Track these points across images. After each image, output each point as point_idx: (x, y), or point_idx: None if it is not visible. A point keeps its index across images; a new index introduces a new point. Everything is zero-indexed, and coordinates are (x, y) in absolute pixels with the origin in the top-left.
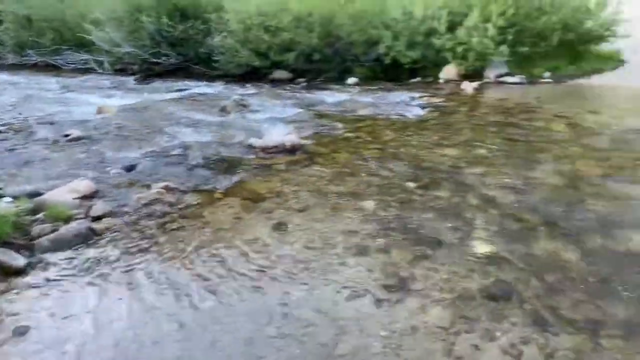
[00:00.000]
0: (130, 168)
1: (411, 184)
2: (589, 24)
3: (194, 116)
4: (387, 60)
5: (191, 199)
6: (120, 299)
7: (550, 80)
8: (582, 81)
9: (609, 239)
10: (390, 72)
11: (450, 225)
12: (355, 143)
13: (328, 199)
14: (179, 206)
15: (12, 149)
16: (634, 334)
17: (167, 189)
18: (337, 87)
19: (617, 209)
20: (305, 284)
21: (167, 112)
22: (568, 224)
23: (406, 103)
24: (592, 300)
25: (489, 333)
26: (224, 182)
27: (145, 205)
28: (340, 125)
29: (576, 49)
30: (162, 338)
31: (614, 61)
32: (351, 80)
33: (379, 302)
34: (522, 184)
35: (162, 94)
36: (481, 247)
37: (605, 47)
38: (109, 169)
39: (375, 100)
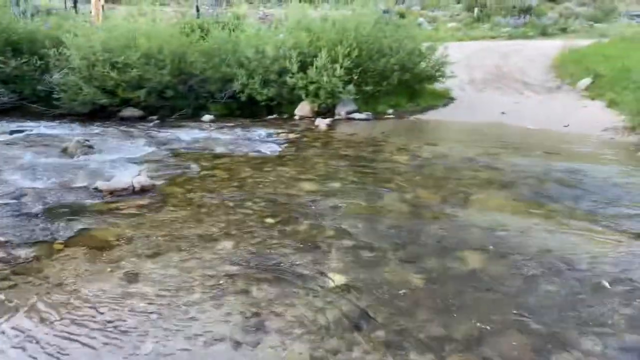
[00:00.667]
0: None
1: (270, 220)
2: (422, 65)
3: (32, 160)
4: (243, 98)
5: (26, 252)
6: None
7: (393, 116)
8: (420, 116)
9: (447, 261)
10: (246, 109)
11: (307, 259)
12: (212, 181)
13: (183, 242)
14: (11, 262)
15: None
16: (473, 346)
17: None
18: (192, 124)
19: (453, 232)
20: (158, 335)
21: (2, 155)
22: (412, 248)
23: (263, 139)
24: (436, 319)
25: None
26: (66, 231)
27: None
28: (196, 163)
29: (413, 88)
30: None
31: (445, 98)
32: (207, 117)
33: (237, 345)
34: (372, 213)
35: None
36: (337, 278)
37: (437, 86)
38: None
39: (232, 137)
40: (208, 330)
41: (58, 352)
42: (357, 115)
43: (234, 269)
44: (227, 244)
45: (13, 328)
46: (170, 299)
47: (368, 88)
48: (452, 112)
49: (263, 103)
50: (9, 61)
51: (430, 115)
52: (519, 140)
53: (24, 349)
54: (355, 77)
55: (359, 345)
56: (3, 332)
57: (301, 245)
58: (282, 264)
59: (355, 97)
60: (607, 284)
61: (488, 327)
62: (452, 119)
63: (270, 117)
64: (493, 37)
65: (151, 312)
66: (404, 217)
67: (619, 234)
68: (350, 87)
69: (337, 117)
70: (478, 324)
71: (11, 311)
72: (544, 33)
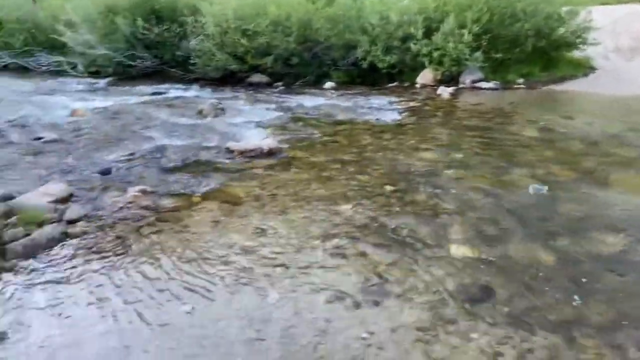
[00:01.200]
0: (105, 171)
1: (389, 187)
2: (560, 31)
3: (170, 119)
4: (365, 65)
5: (168, 202)
6: (93, 303)
7: (523, 86)
8: (555, 87)
9: (582, 241)
10: (367, 77)
11: (427, 228)
12: (333, 147)
13: (306, 202)
14: (156, 210)
15: None
16: (607, 333)
17: (144, 192)
18: (315, 91)
19: (589, 212)
20: (283, 287)
21: (143, 115)
22: (542, 225)
23: (383, 107)
24: (566, 300)
25: (467, 335)
26: (202, 186)
27: (121, 208)
28: (317, 129)
29: (549, 56)
30: (136, 343)
31: (585, 68)
32: (328, 84)
33: (357, 304)
34: (498, 187)
35: (137, 96)
36: (458, 249)
37: (576, 54)
38: (83, 172)
39: (353, 104)
40: (330, 287)
41: (193, 292)
42: (483, 85)
43: (353, 231)
44: (347, 207)
45: (157, 268)
46: (294, 254)
47: (497, 55)
48: (592, 83)
49: (384, 70)
50: (153, 28)
51: (567, 86)
52: None
53: (165, 288)
54: (484, 44)
55: (479, 318)
56: (147, 272)
57: (421, 214)
58: (401, 231)
59: (482, 65)
60: None
61: (624, 315)
62: (592, 90)
63: (390, 84)
64: None
65: (277, 266)
66: (534, 195)
67: None
68: (478, 54)
69: (461, 85)
70: (613, 310)
71: (157, 253)
72: None
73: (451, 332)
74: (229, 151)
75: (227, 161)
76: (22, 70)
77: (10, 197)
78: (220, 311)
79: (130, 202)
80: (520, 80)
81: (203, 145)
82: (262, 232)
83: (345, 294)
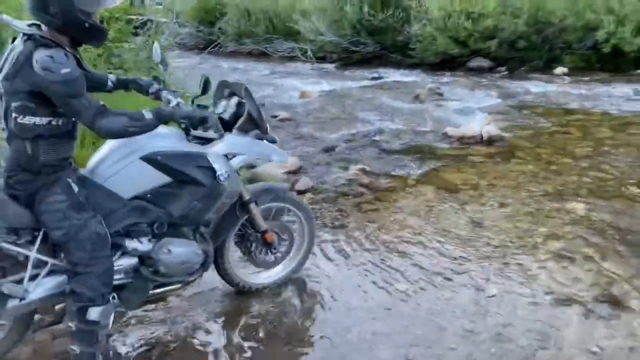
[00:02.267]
0: (329, 149)
1: (634, 189)
2: None
3: (389, 103)
4: (606, 49)
5: (385, 182)
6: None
7: None
8: None
9: None
10: (609, 62)
11: None
12: (563, 139)
13: (529, 196)
14: (374, 188)
15: None
16: None
17: (363, 171)
18: (543, 76)
19: None
20: (501, 283)
21: (363, 98)
22: None
23: (628, 97)
24: None
25: None
26: (418, 169)
27: (343, 184)
28: (545, 118)
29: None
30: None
31: None
32: (559, 70)
33: (588, 313)
34: None
35: (358, 81)
36: None
37: None
38: (311, 148)
39: (588, 92)
40: (554, 292)
41: (404, 270)
42: None
43: (585, 234)
44: (578, 207)
45: (372, 242)
46: (513, 251)
47: None
48: None
49: (632, 55)
50: (378, 14)
51: None
52: None
53: (380, 261)
54: None
55: None
56: (364, 244)
57: None
58: None
59: None
60: None
61: None
62: None
63: (638, 71)
64: None
65: (493, 259)
66: None
67: None
68: None
69: None
70: None
71: (372, 232)
72: None
73: None
74: (446, 136)
75: (444, 146)
76: (263, 55)
77: (253, 166)
78: (432, 300)
79: (351, 179)
80: None
81: (419, 130)
82: (478, 224)
83: (571, 301)
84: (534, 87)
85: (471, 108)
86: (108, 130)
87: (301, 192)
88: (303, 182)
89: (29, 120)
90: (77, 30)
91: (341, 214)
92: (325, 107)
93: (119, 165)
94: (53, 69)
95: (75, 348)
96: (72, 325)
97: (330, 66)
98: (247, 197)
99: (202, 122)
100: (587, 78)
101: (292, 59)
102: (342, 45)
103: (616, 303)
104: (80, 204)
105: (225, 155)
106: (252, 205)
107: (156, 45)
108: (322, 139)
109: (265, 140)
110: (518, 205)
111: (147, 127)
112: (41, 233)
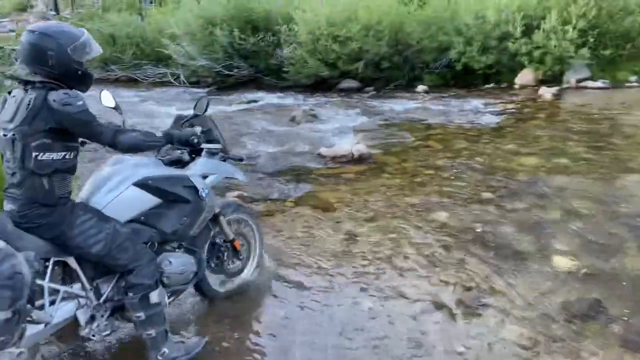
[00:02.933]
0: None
1: (487, 194)
2: None
3: (265, 126)
4: (459, 66)
5: (264, 207)
6: None
7: (637, 84)
8: None
9: None
10: (461, 79)
11: (529, 238)
12: (426, 152)
13: (398, 209)
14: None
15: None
16: None
17: (241, 197)
18: (406, 94)
19: None
20: (376, 295)
21: (239, 122)
22: None
23: (479, 110)
24: None
25: (574, 353)
26: (295, 190)
27: None
28: (409, 133)
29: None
30: None
31: None
32: (421, 87)
33: (453, 315)
34: (609, 196)
35: (234, 105)
36: (563, 261)
37: None
38: None
39: (446, 107)
40: (424, 296)
41: (282, 293)
42: (590, 84)
43: (448, 240)
44: (441, 215)
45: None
46: (386, 261)
47: (606, 52)
48: None
49: (480, 72)
50: (248, 38)
51: None
52: None
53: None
54: (591, 40)
55: (588, 337)
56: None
57: (522, 224)
58: (500, 241)
59: (589, 63)
60: None
61: None
62: None
63: (487, 86)
64: None
65: (368, 273)
66: None
67: None
68: (584, 50)
69: (565, 85)
70: None
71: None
72: None
73: (555, 351)
74: (321, 157)
75: (319, 166)
76: (132, 82)
77: None
78: (309, 319)
79: None
80: (633, 79)
81: (296, 151)
82: (353, 238)
83: (440, 305)
84: (399, 105)
85: (343, 128)
86: (129, 145)
87: None
88: None
89: (47, 156)
90: (71, 78)
91: None
92: None
93: (114, 193)
94: (72, 102)
95: (151, 332)
96: (140, 315)
97: (204, 91)
98: (217, 210)
99: (208, 136)
100: (445, 94)
101: (163, 84)
102: (215, 70)
103: (476, 304)
104: (103, 215)
105: (201, 175)
106: (221, 218)
107: (105, 91)
108: None
109: (231, 160)
110: (388, 218)
111: (157, 144)
112: (51, 262)
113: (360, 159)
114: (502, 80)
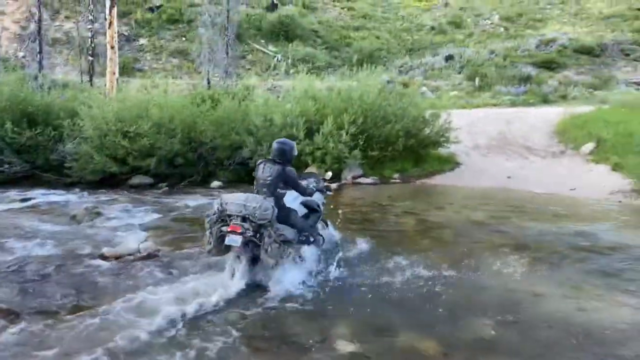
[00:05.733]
0: None
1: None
2: (426, 131)
3: (41, 227)
4: (252, 164)
5: (30, 320)
6: None
7: (399, 180)
8: (427, 180)
9: (458, 329)
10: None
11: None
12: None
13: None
14: (11, 331)
15: None
16: None
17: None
18: (201, 190)
19: (464, 298)
20: None
21: (9, 224)
22: (422, 315)
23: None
24: None
25: None
26: (69, 297)
27: None
28: (201, 227)
29: (418, 153)
30: None
31: (451, 163)
32: (216, 183)
33: None
34: (379, 277)
35: (4, 204)
36: (345, 346)
37: (442, 151)
38: None
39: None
40: None
41: None
42: (363, 180)
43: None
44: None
45: None
46: None
47: (374, 153)
48: (458, 177)
49: None
50: (24, 132)
51: (437, 180)
52: (527, 204)
53: None
54: (361, 143)
55: None
56: None
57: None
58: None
59: (361, 162)
60: None
61: None
62: (458, 183)
63: None
64: (495, 105)
65: None
66: (413, 282)
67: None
68: (356, 152)
69: (343, 181)
70: None
71: None
72: (545, 100)
73: None
74: (103, 257)
75: (101, 268)
76: None
77: None
78: None
79: None
80: (396, 175)
81: (75, 254)
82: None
83: None
84: (192, 201)
85: (131, 225)
86: (309, 194)
87: None
88: None
89: (281, 190)
90: (290, 163)
91: None
92: None
93: (295, 203)
94: (293, 172)
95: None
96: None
97: None
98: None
99: (316, 184)
100: (238, 189)
101: None
102: None
103: None
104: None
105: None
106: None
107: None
108: None
109: (325, 192)
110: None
111: (311, 193)
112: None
113: (148, 257)
114: None
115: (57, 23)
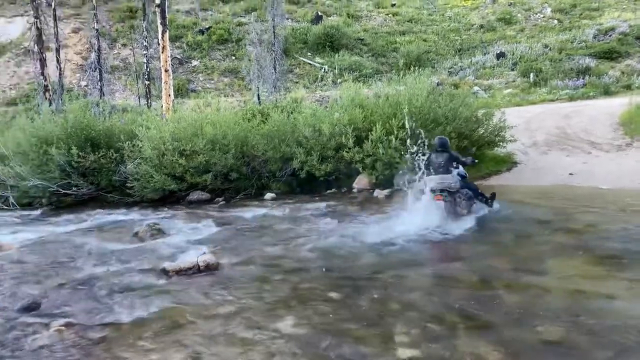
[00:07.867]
0: (29, 307)
1: (333, 294)
2: (480, 131)
3: (104, 246)
4: (302, 174)
5: (96, 334)
6: None
7: None
8: (483, 182)
9: (523, 331)
10: (306, 185)
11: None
12: (273, 258)
13: (241, 321)
14: (81, 344)
15: None
16: None
17: (69, 325)
18: (255, 202)
19: (529, 301)
20: None
21: (76, 244)
22: (484, 315)
23: (322, 212)
24: None
25: None
26: (133, 312)
27: (42, 347)
28: (258, 240)
29: (474, 154)
30: None
31: (508, 162)
32: (269, 195)
33: None
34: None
35: (71, 225)
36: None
37: (499, 151)
38: (5, 309)
39: (292, 212)
40: None
41: None
42: None
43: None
44: (286, 323)
45: None
46: None
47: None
48: (516, 176)
49: (322, 178)
50: (88, 156)
51: (494, 181)
52: (592, 201)
53: None
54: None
55: None
56: None
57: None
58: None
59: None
60: None
61: None
62: (517, 182)
63: (329, 191)
64: (552, 100)
65: None
66: (472, 286)
67: None
68: (408, 156)
69: (396, 187)
70: None
71: None
72: (607, 92)
73: None
74: (165, 272)
75: (162, 282)
76: None
77: None
78: None
79: (52, 339)
80: None
81: (138, 269)
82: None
83: None
84: (248, 213)
85: (190, 240)
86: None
87: None
88: None
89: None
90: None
91: None
92: (29, 259)
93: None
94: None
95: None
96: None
97: (37, 212)
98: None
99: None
100: (291, 200)
101: None
102: (50, 189)
103: None
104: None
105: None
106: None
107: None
108: (23, 296)
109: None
110: (243, 332)
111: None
112: None
113: (207, 269)
114: (342, 185)
115: (115, 51)
